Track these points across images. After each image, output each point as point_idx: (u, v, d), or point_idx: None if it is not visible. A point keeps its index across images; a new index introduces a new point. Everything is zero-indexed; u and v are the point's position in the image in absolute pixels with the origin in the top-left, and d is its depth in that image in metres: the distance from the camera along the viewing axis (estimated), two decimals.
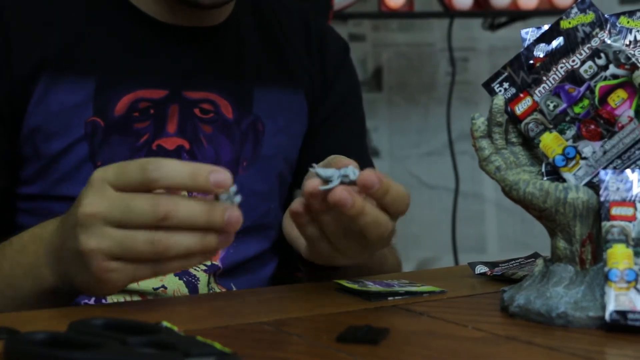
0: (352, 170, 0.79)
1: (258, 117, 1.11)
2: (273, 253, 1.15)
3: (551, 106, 0.78)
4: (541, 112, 0.78)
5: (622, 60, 0.76)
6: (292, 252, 0.96)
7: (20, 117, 1.03)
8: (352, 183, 0.79)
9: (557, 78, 0.78)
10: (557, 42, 0.78)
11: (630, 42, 0.78)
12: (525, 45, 0.80)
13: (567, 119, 0.78)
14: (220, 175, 0.75)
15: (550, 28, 0.79)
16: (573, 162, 0.78)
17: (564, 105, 0.78)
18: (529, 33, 0.82)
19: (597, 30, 0.77)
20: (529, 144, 0.79)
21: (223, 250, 1.08)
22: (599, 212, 0.75)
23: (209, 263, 1.06)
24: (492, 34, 2.57)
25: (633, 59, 0.76)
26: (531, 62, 0.79)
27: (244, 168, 1.10)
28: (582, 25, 0.77)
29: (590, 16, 0.77)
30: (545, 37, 0.79)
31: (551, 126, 0.78)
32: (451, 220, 2.54)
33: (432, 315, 0.78)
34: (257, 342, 0.71)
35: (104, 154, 1.03)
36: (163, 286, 1.03)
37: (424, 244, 2.59)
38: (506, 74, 0.79)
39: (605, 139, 0.77)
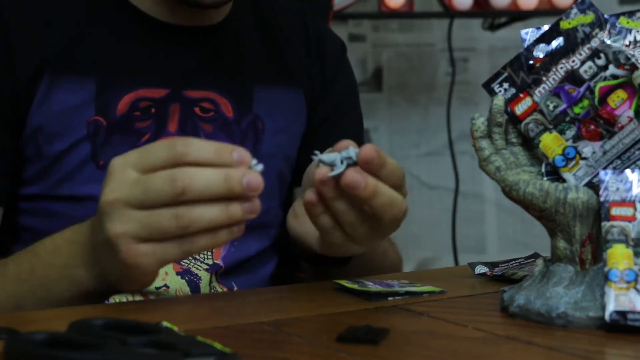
0: (353, 151, 0.79)
1: (258, 116, 1.12)
2: (273, 251, 1.15)
3: (551, 106, 0.78)
4: (541, 112, 0.78)
5: (622, 61, 0.76)
6: (292, 251, 0.97)
7: (23, 117, 1.03)
8: (355, 164, 0.79)
9: (557, 78, 0.78)
10: (557, 42, 0.78)
11: (630, 42, 0.78)
12: (525, 46, 0.80)
13: (567, 119, 0.78)
14: (242, 151, 0.77)
15: (550, 28, 0.79)
16: (573, 162, 0.78)
17: (563, 106, 0.78)
18: (529, 33, 0.82)
19: (597, 30, 0.77)
20: (529, 144, 0.79)
21: (224, 249, 1.08)
22: (598, 212, 0.75)
23: (210, 262, 1.07)
24: (492, 34, 2.57)
25: (633, 59, 0.76)
26: (531, 62, 0.79)
27: None
28: (582, 25, 0.77)
29: (590, 16, 0.77)
30: (545, 38, 0.79)
31: (551, 126, 0.78)
32: (451, 220, 2.54)
33: (432, 315, 0.78)
34: (257, 342, 0.71)
35: (106, 153, 1.03)
36: (165, 285, 1.03)
37: (424, 244, 2.59)
38: (506, 74, 0.79)
39: (605, 139, 0.77)
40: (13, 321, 0.72)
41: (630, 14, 0.79)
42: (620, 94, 0.76)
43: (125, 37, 1.08)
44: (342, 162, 0.79)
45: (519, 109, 0.78)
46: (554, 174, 0.78)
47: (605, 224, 0.73)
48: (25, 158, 1.04)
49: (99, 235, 0.80)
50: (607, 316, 0.71)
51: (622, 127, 0.77)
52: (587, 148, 0.77)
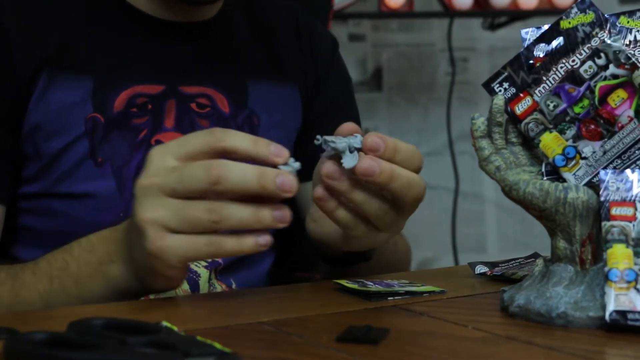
0: (359, 138, 0.79)
1: (253, 111, 1.12)
2: (270, 248, 1.15)
3: (551, 106, 0.78)
4: (541, 112, 0.78)
5: (622, 60, 0.76)
6: (290, 250, 0.96)
7: (21, 116, 1.03)
8: (360, 150, 0.79)
9: (557, 78, 0.78)
10: (557, 42, 0.78)
11: (630, 42, 0.78)
12: (525, 45, 0.80)
13: (567, 118, 0.78)
14: (279, 146, 0.77)
15: (550, 28, 0.79)
16: (573, 162, 0.78)
17: (564, 105, 0.78)
18: (529, 33, 0.82)
19: (597, 30, 0.77)
20: (529, 144, 0.79)
21: None
22: (599, 212, 0.75)
23: (209, 259, 1.07)
24: (492, 34, 2.57)
25: (633, 59, 0.76)
26: (531, 62, 0.79)
27: None
28: (582, 25, 0.77)
29: (590, 16, 0.77)
30: (545, 37, 0.78)
31: (551, 126, 0.78)
32: (451, 220, 2.54)
33: (432, 315, 0.78)
34: (257, 342, 0.71)
35: (104, 150, 1.04)
36: None
37: (424, 244, 2.59)
38: (506, 74, 0.79)
39: (605, 139, 0.77)
40: (13, 321, 0.72)
41: (631, 14, 0.79)
42: (621, 93, 0.76)
43: (122, 35, 1.09)
44: (351, 152, 0.78)
45: (519, 108, 0.78)
46: (554, 173, 0.78)
47: (606, 224, 0.73)
48: (24, 157, 1.04)
49: (132, 222, 0.80)
50: (607, 316, 0.71)
51: (622, 127, 0.77)
52: (587, 148, 0.77)
